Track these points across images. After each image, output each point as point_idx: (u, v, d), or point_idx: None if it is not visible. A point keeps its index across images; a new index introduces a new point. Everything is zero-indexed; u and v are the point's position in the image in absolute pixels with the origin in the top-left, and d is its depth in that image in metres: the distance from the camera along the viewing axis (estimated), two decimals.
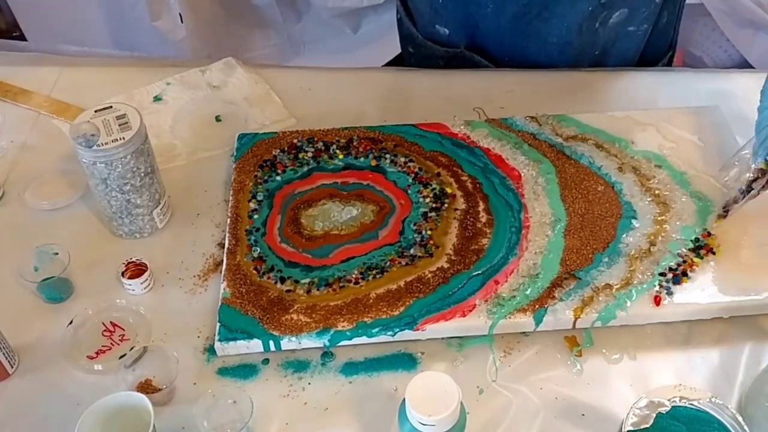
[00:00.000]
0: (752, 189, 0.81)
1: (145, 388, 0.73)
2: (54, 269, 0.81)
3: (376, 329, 0.76)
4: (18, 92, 1.07)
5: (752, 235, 0.83)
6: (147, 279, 0.82)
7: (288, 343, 0.76)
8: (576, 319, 0.77)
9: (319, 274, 0.81)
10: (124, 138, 0.79)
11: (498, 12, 1.02)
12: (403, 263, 0.82)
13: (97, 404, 0.66)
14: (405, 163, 0.92)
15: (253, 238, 0.85)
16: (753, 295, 0.78)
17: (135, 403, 0.67)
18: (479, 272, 0.80)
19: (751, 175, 0.81)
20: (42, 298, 0.82)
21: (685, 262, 0.80)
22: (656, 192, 0.88)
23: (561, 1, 0.99)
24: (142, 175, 0.83)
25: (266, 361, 0.77)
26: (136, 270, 0.82)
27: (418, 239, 0.84)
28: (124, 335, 0.79)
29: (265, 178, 0.91)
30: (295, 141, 0.95)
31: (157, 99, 1.06)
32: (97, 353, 0.77)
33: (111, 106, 0.83)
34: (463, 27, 1.08)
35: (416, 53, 1.16)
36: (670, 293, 0.78)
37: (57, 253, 0.83)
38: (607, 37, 1.05)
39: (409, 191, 0.89)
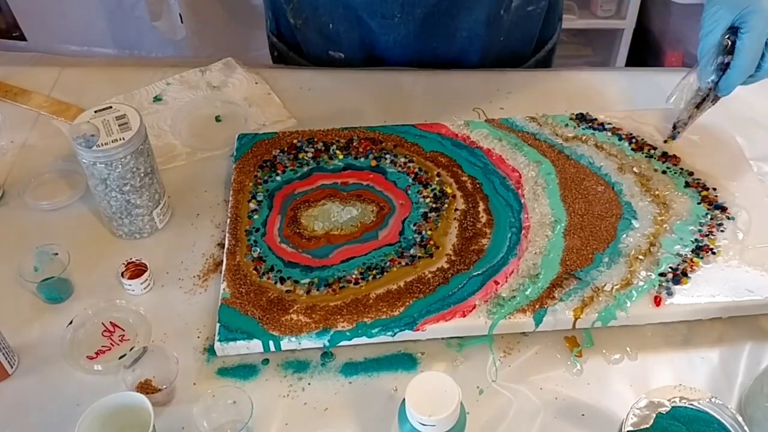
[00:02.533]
0: (699, 109, 0.91)
1: (145, 388, 0.73)
2: (54, 269, 0.81)
3: (376, 329, 0.76)
4: (18, 92, 1.07)
5: (752, 235, 0.83)
6: (147, 279, 0.82)
7: (288, 343, 0.76)
8: (576, 319, 0.77)
9: (319, 275, 0.81)
10: (123, 138, 0.79)
11: (406, 20, 1.02)
12: (403, 263, 0.82)
13: (97, 404, 0.66)
14: (405, 163, 0.92)
15: (252, 238, 0.85)
16: (753, 295, 0.78)
17: (135, 403, 0.67)
18: (479, 272, 0.80)
19: (697, 98, 0.89)
20: (42, 298, 0.82)
21: (685, 262, 0.81)
22: (656, 192, 0.88)
23: None
24: (142, 175, 0.83)
25: (266, 362, 0.77)
26: (136, 270, 0.82)
27: (418, 239, 0.84)
28: (124, 335, 0.79)
29: (265, 178, 0.91)
30: (295, 141, 0.95)
31: (157, 99, 1.06)
32: (97, 353, 0.77)
33: (111, 106, 0.83)
34: (358, 47, 1.08)
35: None
36: (670, 293, 0.78)
37: (57, 253, 0.83)
38: (510, 22, 1.06)
39: (409, 191, 0.89)
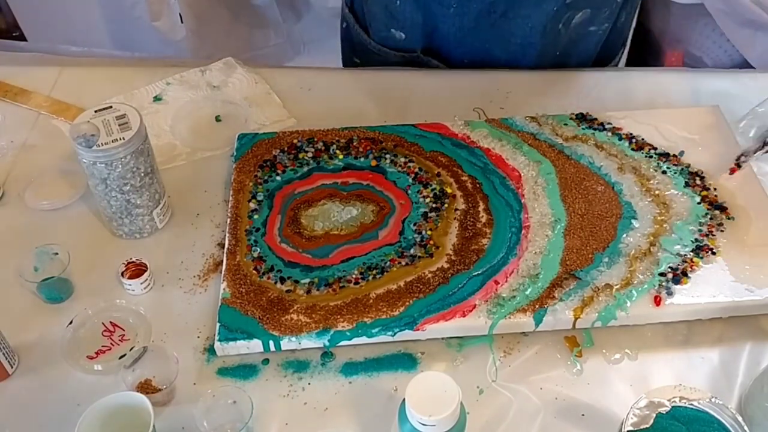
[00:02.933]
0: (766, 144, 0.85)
1: (145, 388, 0.73)
2: (54, 269, 0.81)
3: (376, 329, 0.76)
4: (18, 92, 1.07)
5: (752, 235, 0.83)
6: (147, 279, 0.82)
7: (288, 343, 0.76)
8: (576, 319, 0.77)
9: (319, 274, 0.81)
10: (124, 138, 0.79)
11: (461, 12, 1.02)
12: (403, 263, 0.82)
13: (97, 404, 0.66)
14: (405, 163, 0.92)
15: (253, 238, 0.85)
16: (753, 295, 0.78)
17: (135, 403, 0.67)
18: (479, 272, 0.80)
19: (765, 131, 0.85)
20: (42, 298, 0.82)
21: (685, 262, 0.81)
22: (656, 192, 0.88)
23: (526, 1, 0.99)
24: (142, 175, 0.83)
25: (266, 361, 0.77)
26: (136, 270, 0.82)
27: (418, 239, 0.84)
28: (124, 335, 0.79)
29: (265, 178, 0.91)
30: (295, 141, 0.95)
31: (157, 99, 1.06)
32: (97, 353, 0.77)
33: (111, 106, 0.83)
34: (420, 30, 1.07)
35: (366, 61, 1.15)
36: (670, 293, 0.78)
37: (57, 253, 0.83)
38: (568, 38, 1.05)
39: (409, 191, 0.89)
